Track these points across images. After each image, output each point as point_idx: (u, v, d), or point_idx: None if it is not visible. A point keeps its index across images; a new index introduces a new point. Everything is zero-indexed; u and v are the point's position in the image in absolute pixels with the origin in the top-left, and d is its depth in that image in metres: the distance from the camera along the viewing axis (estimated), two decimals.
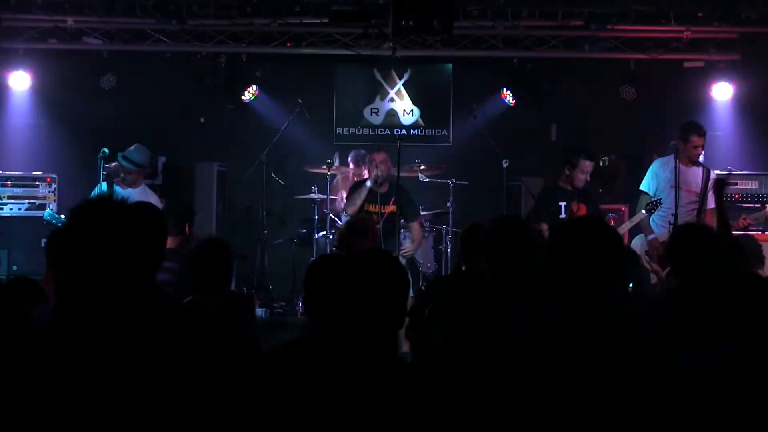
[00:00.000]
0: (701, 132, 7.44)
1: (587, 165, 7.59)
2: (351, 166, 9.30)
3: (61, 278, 2.42)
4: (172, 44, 9.63)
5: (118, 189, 7.74)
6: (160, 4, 9.11)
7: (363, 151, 9.33)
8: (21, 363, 2.38)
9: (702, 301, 3.00)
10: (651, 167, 7.64)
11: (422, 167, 9.23)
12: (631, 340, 2.63)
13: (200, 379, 2.56)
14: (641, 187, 7.60)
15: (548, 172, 8.76)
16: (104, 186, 7.57)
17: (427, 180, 9.27)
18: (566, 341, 2.63)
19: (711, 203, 7.47)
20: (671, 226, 7.06)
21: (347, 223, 6.58)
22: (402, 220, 8.11)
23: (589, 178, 7.72)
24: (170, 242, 5.51)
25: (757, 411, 2.61)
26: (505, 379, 2.67)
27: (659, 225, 7.40)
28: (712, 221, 7.50)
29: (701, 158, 7.55)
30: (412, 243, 8.23)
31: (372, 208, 8.11)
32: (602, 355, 2.58)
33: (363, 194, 8.08)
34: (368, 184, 8.08)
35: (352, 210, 8.04)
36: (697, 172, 7.43)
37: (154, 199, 7.83)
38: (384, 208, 8.10)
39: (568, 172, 7.55)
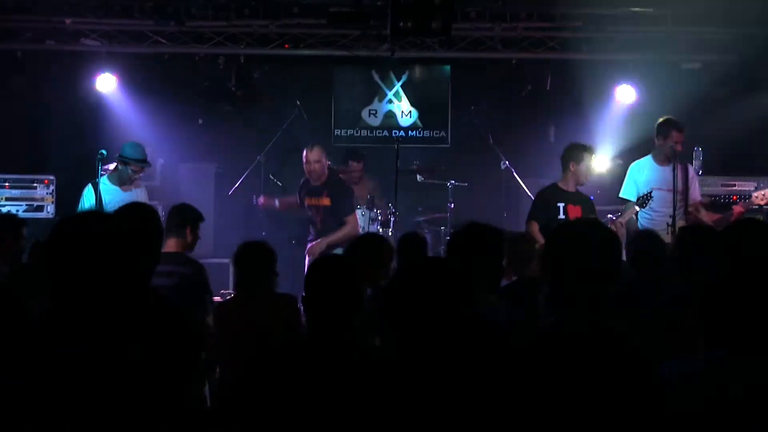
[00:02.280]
0: (681, 127, 7.44)
1: (592, 159, 7.59)
2: (350, 163, 9.27)
3: (53, 286, 2.42)
4: (170, 45, 9.61)
5: (116, 190, 7.69)
6: (159, 5, 9.11)
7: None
8: (18, 365, 2.37)
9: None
10: (628, 172, 7.62)
11: (421, 169, 9.25)
12: (614, 347, 2.64)
13: (195, 377, 2.56)
14: (621, 195, 7.56)
15: (547, 173, 8.75)
16: (90, 192, 7.47)
17: (426, 181, 9.28)
18: (560, 343, 2.63)
19: (695, 197, 7.46)
20: (669, 228, 7.05)
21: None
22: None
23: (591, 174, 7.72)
24: (172, 245, 5.47)
25: (746, 417, 2.60)
26: (499, 378, 2.67)
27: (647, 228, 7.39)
28: (703, 215, 7.52)
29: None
30: (333, 234, 7.82)
31: (308, 200, 8.02)
32: (589, 359, 2.60)
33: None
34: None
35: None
36: (672, 169, 7.35)
37: (143, 195, 7.80)
38: (320, 201, 7.96)
39: (573, 169, 7.48)
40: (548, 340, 2.68)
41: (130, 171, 7.70)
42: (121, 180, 7.74)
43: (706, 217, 7.54)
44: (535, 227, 7.24)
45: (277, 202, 8.50)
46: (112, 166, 7.82)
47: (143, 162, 7.76)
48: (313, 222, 8.03)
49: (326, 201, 7.88)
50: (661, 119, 7.63)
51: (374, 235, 5.90)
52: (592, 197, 7.82)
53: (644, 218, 7.41)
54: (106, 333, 2.40)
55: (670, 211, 7.17)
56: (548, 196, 7.56)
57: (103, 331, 2.40)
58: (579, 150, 7.50)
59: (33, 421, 2.26)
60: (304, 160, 7.89)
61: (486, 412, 2.58)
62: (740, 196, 8.65)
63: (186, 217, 5.64)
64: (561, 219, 7.28)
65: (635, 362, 2.64)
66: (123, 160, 7.70)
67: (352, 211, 7.99)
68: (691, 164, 7.60)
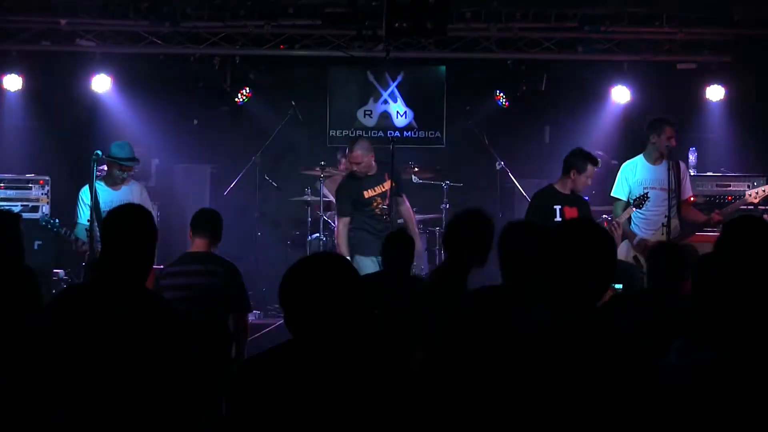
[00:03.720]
0: (673, 123, 7.41)
1: (593, 171, 7.57)
2: (342, 161, 9.18)
3: None
4: (165, 46, 9.61)
5: (107, 190, 7.67)
6: (154, 6, 9.10)
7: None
8: (18, 365, 2.38)
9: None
10: (620, 172, 7.57)
11: (416, 169, 9.24)
12: (615, 341, 2.65)
13: (190, 375, 2.56)
14: (613, 194, 7.52)
15: (542, 174, 8.77)
16: (87, 192, 7.46)
17: (421, 182, 9.28)
18: (554, 340, 2.65)
19: (686, 193, 7.45)
20: (664, 228, 7.05)
21: None
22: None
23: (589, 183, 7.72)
24: (202, 245, 5.47)
25: (740, 416, 2.61)
26: (497, 376, 2.68)
27: (642, 228, 7.38)
28: (692, 213, 7.50)
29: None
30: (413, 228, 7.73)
31: (371, 192, 7.69)
32: (587, 354, 2.61)
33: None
34: None
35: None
36: (665, 168, 7.30)
37: (137, 192, 7.77)
38: (384, 187, 7.69)
39: (573, 177, 7.41)
40: (543, 339, 2.69)
41: (116, 171, 7.69)
42: (111, 179, 7.74)
43: (697, 215, 7.55)
44: None
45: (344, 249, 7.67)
46: (106, 167, 7.83)
47: (129, 160, 7.72)
48: (379, 213, 7.65)
49: (388, 184, 7.64)
50: (653, 117, 7.63)
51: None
52: (587, 198, 7.82)
53: (639, 218, 7.40)
54: (105, 333, 2.41)
55: (665, 210, 7.16)
56: (544, 198, 7.51)
57: (101, 332, 2.40)
58: (584, 161, 7.38)
59: (33, 421, 2.27)
60: (354, 157, 7.59)
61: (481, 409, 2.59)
62: (734, 197, 8.65)
63: (220, 224, 5.61)
64: (557, 221, 7.27)
65: (632, 360, 2.64)
66: (109, 160, 7.68)
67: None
68: (683, 161, 7.57)
